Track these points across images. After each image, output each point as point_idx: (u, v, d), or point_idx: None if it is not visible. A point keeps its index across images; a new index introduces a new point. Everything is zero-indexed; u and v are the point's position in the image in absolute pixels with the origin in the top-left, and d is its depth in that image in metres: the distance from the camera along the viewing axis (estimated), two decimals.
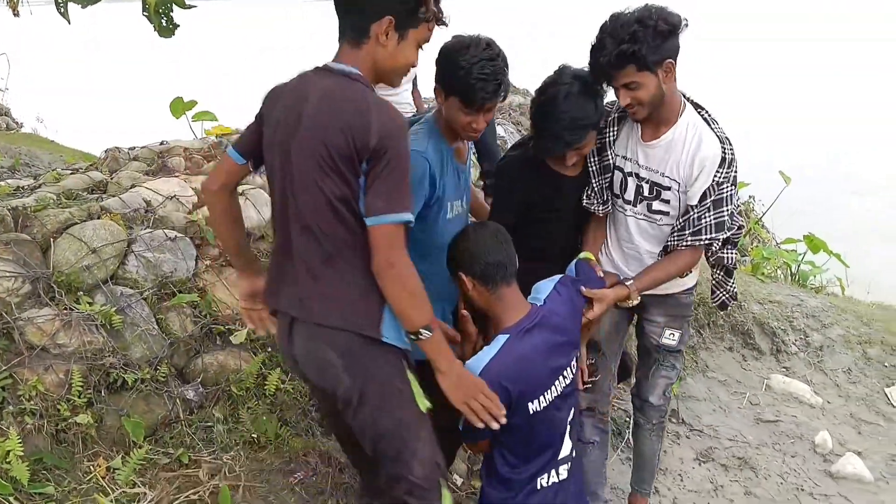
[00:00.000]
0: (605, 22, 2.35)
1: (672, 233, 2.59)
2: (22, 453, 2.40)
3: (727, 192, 2.49)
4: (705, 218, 2.50)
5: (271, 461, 2.85)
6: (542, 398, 2.16)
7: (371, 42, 1.91)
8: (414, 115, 2.91)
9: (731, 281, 2.92)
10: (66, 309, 2.79)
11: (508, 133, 5.26)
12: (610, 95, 2.51)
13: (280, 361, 3.16)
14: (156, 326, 2.98)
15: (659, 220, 2.61)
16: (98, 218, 3.12)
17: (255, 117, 2.08)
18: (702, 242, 2.55)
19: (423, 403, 2.04)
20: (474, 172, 3.52)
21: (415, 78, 3.91)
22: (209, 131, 4.98)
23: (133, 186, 3.52)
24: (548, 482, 2.27)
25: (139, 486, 2.55)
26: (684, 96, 2.53)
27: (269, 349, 3.19)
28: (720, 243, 2.67)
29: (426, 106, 4.02)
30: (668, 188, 2.54)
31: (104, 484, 2.51)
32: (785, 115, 16.10)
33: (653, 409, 2.99)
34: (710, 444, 3.86)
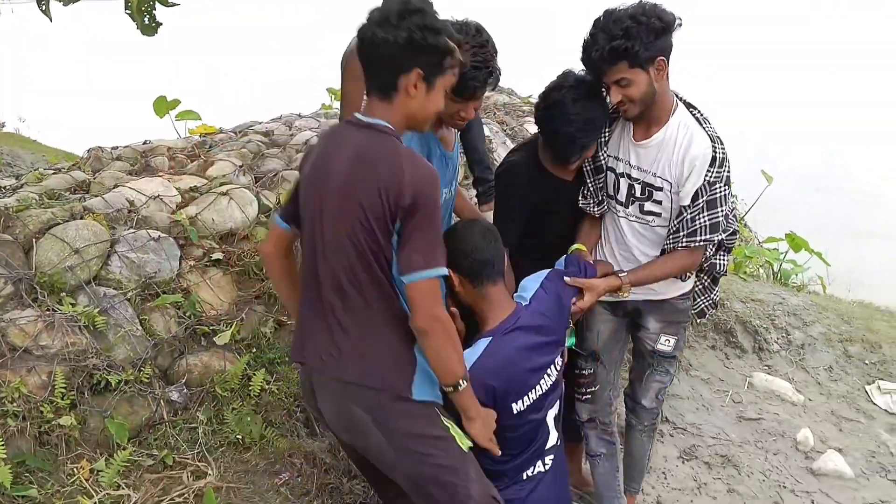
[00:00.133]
0: (599, 17, 2.35)
1: (668, 235, 2.58)
2: (4, 456, 2.38)
3: (720, 192, 2.47)
4: (699, 219, 2.49)
5: (256, 462, 2.84)
6: (526, 398, 2.18)
7: (401, 95, 1.91)
8: None
9: (716, 289, 2.92)
10: (48, 310, 2.77)
11: (493, 133, 5.25)
12: None
13: (265, 362, 3.16)
14: (139, 327, 2.96)
15: (651, 222, 2.61)
16: (81, 218, 3.09)
17: (295, 181, 2.09)
18: (698, 244, 2.54)
19: (465, 444, 2.04)
20: (461, 172, 3.51)
21: None
22: (193, 130, 4.97)
23: (116, 186, 3.49)
24: (533, 472, 2.30)
25: (123, 488, 2.54)
26: (677, 96, 2.53)
27: (254, 350, 3.18)
28: (714, 247, 2.68)
29: None
30: (660, 188, 2.53)
31: (88, 486, 2.49)
32: (774, 116, 16.19)
33: (645, 412, 2.99)
34: (694, 443, 3.89)
